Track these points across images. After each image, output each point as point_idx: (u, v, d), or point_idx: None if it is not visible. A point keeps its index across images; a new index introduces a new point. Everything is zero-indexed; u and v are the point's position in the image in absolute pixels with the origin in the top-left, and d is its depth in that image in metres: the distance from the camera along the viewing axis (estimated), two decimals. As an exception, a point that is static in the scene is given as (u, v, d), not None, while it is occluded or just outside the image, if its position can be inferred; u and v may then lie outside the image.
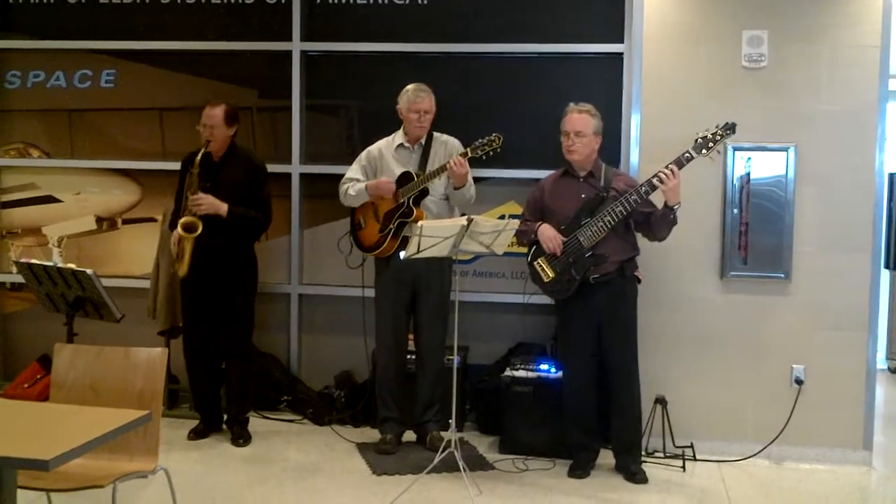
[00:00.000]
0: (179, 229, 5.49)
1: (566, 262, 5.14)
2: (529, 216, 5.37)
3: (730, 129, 5.02)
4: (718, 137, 4.99)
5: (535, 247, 5.28)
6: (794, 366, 5.68)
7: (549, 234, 5.17)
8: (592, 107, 5.27)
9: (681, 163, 4.97)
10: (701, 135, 5.01)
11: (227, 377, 5.87)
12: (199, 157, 5.54)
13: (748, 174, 5.65)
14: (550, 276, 5.21)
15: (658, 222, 5.07)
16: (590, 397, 5.34)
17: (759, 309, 5.71)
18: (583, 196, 5.17)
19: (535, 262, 5.28)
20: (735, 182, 5.68)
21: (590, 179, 5.22)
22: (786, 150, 5.61)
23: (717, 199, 5.70)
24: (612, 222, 5.02)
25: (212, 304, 5.70)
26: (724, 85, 5.70)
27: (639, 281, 5.32)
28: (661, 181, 4.92)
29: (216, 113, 5.58)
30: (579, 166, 5.24)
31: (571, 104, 5.26)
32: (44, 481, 3.49)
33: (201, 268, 5.59)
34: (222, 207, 5.53)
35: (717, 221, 5.72)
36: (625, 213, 5.00)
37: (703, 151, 4.98)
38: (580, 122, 5.18)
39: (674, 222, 5.06)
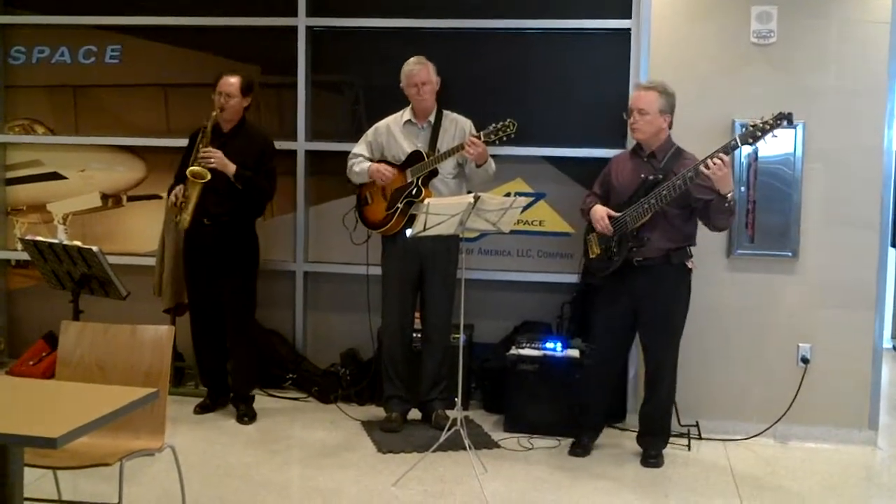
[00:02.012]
0: (188, 175, 5.45)
1: (612, 241, 5.08)
2: (598, 189, 5.30)
3: (785, 118, 4.74)
4: (769, 127, 4.75)
5: (590, 223, 5.24)
6: (800, 344, 5.67)
7: (598, 215, 5.10)
8: (664, 83, 5.11)
9: (727, 151, 4.77)
10: (752, 123, 4.80)
11: (231, 354, 5.87)
12: (211, 121, 5.53)
13: (756, 151, 5.60)
14: (596, 251, 5.18)
15: (714, 211, 4.90)
16: (608, 378, 5.34)
17: (765, 287, 5.70)
18: (642, 176, 5.05)
19: (587, 237, 5.26)
20: (742, 160, 5.64)
21: (651, 160, 5.09)
22: (794, 127, 5.57)
23: (725, 177, 5.67)
24: (658, 204, 4.89)
25: (214, 280, 5.70)
26: (733, 61, 5.66)
27: (689, 271, 5.16)
28: (709, 168, 4.72)
29: (233, 82, 5.55)
30: (645, 145, 5.10)
31: (641, 81, 5.14)
32: (50, 459, 3.50)
33: (203, 242, 5.60)
34: (230, 166, 5.50)
35: (725, 199, 5.69)
36: (670, 196, 4.85)
37: (751, 141, 4.78)
38: (644, 100, 5.02)
39: (731, 211, 4.89)
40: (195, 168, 5.45)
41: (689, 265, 5.15)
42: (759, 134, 4.77)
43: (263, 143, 5.75)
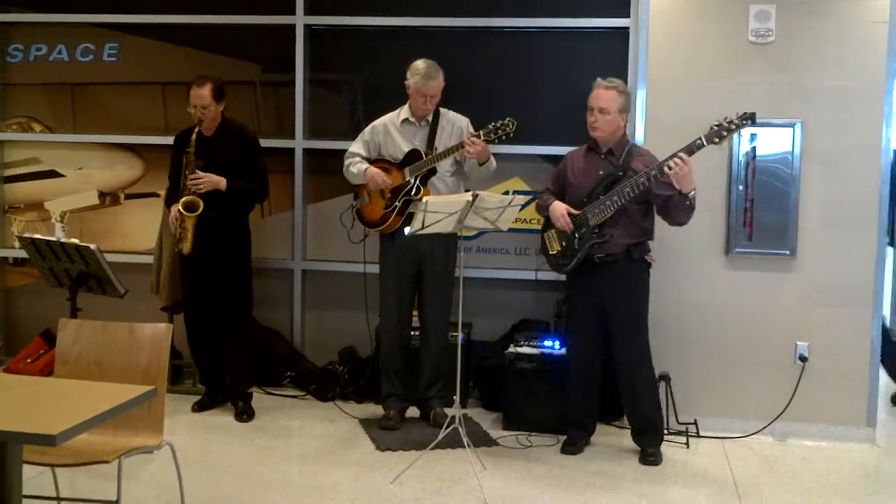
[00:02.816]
0: (181, 208, 5.48)
1: (572, 237, 5.12)
2: (551, 186, 5.34)
3: (748, 118, 4.83)
4: (734, 127, 4.84)
5: (548, 219, 5.26)
6: (798, 343, 5.68)
7: (558, 212, 5.14)
8: (622, 83, 5.18)
9: (691, 150, 4.84)
10: (717, 122, 4.86)
11: (227, 351, 5.86)
12: (193, 136, 5.53)
13: (754, 150, 5.61)
14: (556, 248, 5.21)
15: (675, 207, 4.97)
16: (591, 374, 5.34)
17: (763, 286, 5.70)
18: (601, 172, 5.12)
19: (546, 234, 5.28)
20: (741, 158, 5.65)
21: (609, 157, 5.15)
22: (792, 126, 5.58)
23: (723, 175, 5.68)
24: (620, 202, 4.96)
25: (209, 278, 5.70)
26: (731, 60, 5.66)
27: (648, 265, 5.25)
28: (671, 168, 4.80)
29: (204, 94, 5.54)
30: (602, 143, 5.16)
31: (599, 79, 5.16)
32: (49, 456, 3.49)
33: (198, 240, 5.59)
34: (221, 183, 5.53)
35: (723, 198, 5.69)
36: (633, 194, 4.92)
37: (716, 140, 4.85)
38: (605, 99, 5.07)
39: (691, 208, 4.95)
40: (187, 200, 5.48)
41: (649, 259, 5.23)
42: (725, 133, 4.86)
43: (248, 141, 5.77)
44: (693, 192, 4.89)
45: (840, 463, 5.32)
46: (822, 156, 5.61)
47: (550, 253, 5.25)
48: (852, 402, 5.64)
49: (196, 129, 5.56)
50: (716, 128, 4.86)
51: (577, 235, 5.10)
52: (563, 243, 5.17)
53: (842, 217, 5.62)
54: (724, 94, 5.61)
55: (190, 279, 5.81)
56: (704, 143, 4.85)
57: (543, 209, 5.29)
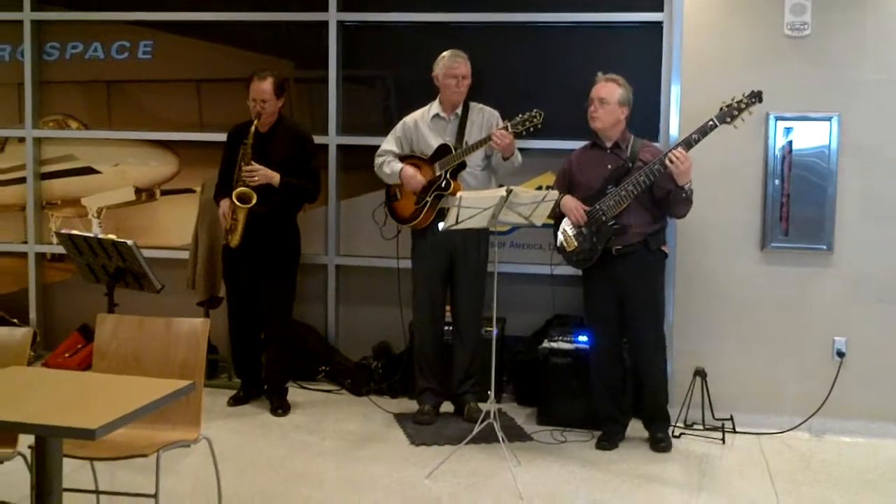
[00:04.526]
0: (234, 199, 5.50)
1: (589, 232, 5.12)
2: (558, 188, 5.33)
3: (755, 97, 4.93)
4: (743, 106, 4.92)
5: (560, 216, 5.27)
6: (835, 338, 5.63)
7: (571, 205, 5.17)
8: (622, 78, 5.21)
9: (705, 131, 4.92)
10: (726, 102, 4.94)
11: (268, 347, 5.90)
12: (252, 129, 5.52)
13: (790, 144, 5.57)
14: (574, 245, 5.20)
15: (674, 200, 5.02)
16: (615, 367, 5.34)
17: (800, 281, 5.66)
18: (609, 166, 5.15)
19: (560, 232, 5.28)
20: (777, 153, 5.60)
21: (616, 150, 5.18)
22: (829, 119, 5.53)
23: (759, 169, 5.64)
24: (635, 192, 5.00)
25: (255, 273, 5.70)
26: (766, 54, 5.62)
27: (665, 255, 5.26)
28: (672, 161, 4.87)
29: (265, 88, 5.54)
30: (605, 136, 5.20)
31: (600, 73, 5.23)
32: (88, 450, 3.54)
33: (246, 235, 5.58)
34: (275, 177, 5.54)
35: (758, 192, 5.65)
36: (648, 182, 4.97)
37: (728, 120, 4.92)
38: (605, 90, 5.14)
39: (688, 201, 5.01)
40: (241, 191, 5.48)
41: (665, 250, 5.23)
42: (736, 113, 4.93)
43: (303, 140, 5.78)
44: (689, 185, 4.93)
45: (877, 459, 5.27)
46: (859, 150, 5.56)
47: (568, 251, 5.24)
48: (890, 399, 5.59)
49: (255, 124, 5.55)
50: (725, 108, 4.94)
51: (593, 229, 5.10)
52: (581, 239, 5.16)
53: (879, 212, 5.56)
54: (760, 88, 5.53)
55: (234, 274, 5.80)
56: (717, 123, 4.93)
57: (555, 206, 5.25)
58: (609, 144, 5.20)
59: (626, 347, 5.36)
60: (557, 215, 5.27)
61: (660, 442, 5.23)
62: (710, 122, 4.93)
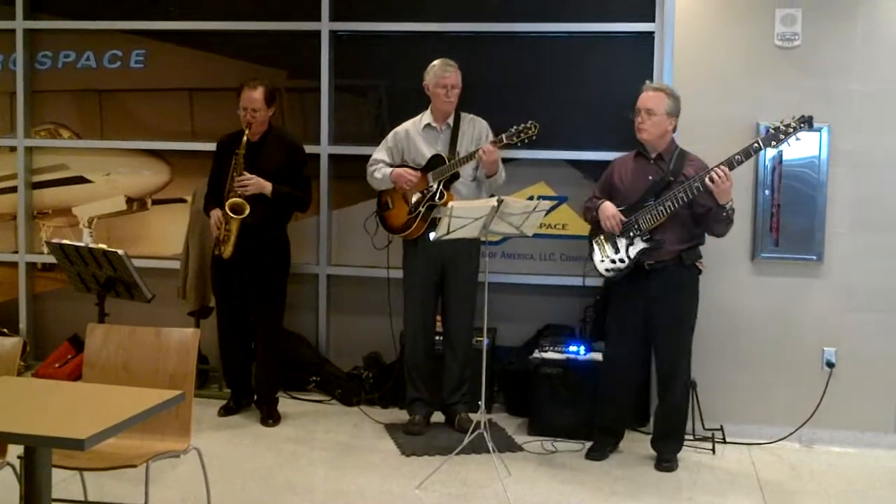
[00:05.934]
0: (228, 211, 5.49)
1: (624, 243, 5.07)
2: (599, 193, 5.25)
3: (805, 122, 4.77)
4: (791, 130, 4.77)
5: (596, 224, 5.19)
6: (825, 348, 5.64)
7: (608, 213, 5.06)
8: (670, 87, 5.15)
9: (748, 153, 4.82)
10: (773, 126, 4.83)
11: (258, 357, 5.89)
12: (244, 138, 5.51)
13: (780, 155, 5.58)
14: (606, 255, 5.13)
15: (713, 219, 4.93)
16: (627, 383, 5.30)
17: (790, 291, 5.67)
18: (650, 178, 5.06)
19: (594, 240, 5.21)
20: (767, 163, 5.62)
21: (659, 161, 5.08)
22: (819, 130, 5.54)
23: (749, 180, 5.64)
24: (672, 208, 4.89)
25: (245, 282, 5.70)
26: (757, 64, 5.63)
27: (699, 271, 5.14)
28: (712, 181, 4.76)
29: (256, 96, 5.53)
30: (650, 147, 5.09)
31: (648, 81, 5.14)
32: (77, 460, 3.53)
33: (237, 245, 5.57)
34: (267, 187, 5.53)
35: (749, 203, 5.65)
36: (686, 199, 4.86)
37: (773, 144, 4.81)
38: (652, 100, 5.02)
39: (728, 220, 4.92)
40: (234, 202, 5.48)
41: (700, 266, 5.14)
42: (783, 137, 4.80)
43: (294, 149, 5.78)
44: (730, 204, 4.86)
45: (868, 470, 5.28)
46: (849, 160, 5.57)
47: (601, 260, 5.17)
48: (880, 409, 5.60)
49: (246, 134, 5.53)
50: (773, 131, 4.83)
51: (627, 241, 5.04)
52: (614, 250, 5.10)
53: (870, 222, 5.58)
54: (750, 98, 5.59)
55: (224, 284, 5.79)
56: (762, 146, 4.83)
57: (592, 211, 5.19)
58: (654, 155, 5.09)
59: (642, 361, 5.31)
60: (595, 219, 5.17)
61: (665, 462, 5.16)
62: (755, 144, 4.82)
